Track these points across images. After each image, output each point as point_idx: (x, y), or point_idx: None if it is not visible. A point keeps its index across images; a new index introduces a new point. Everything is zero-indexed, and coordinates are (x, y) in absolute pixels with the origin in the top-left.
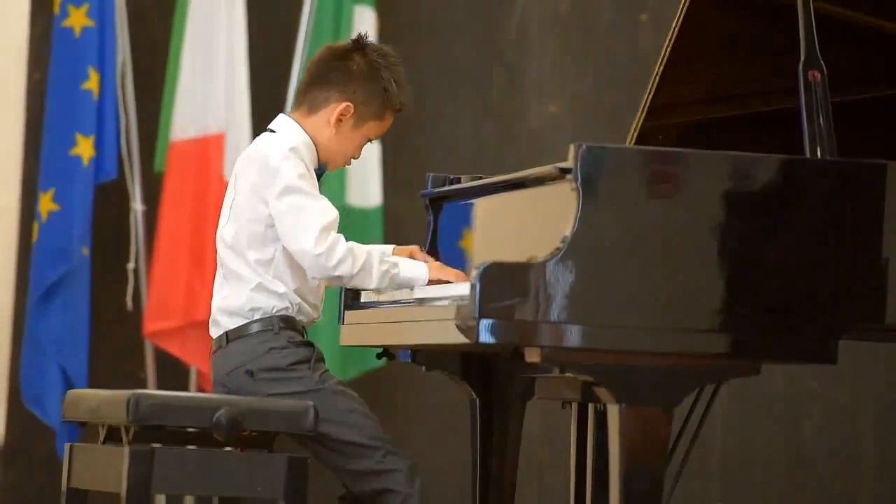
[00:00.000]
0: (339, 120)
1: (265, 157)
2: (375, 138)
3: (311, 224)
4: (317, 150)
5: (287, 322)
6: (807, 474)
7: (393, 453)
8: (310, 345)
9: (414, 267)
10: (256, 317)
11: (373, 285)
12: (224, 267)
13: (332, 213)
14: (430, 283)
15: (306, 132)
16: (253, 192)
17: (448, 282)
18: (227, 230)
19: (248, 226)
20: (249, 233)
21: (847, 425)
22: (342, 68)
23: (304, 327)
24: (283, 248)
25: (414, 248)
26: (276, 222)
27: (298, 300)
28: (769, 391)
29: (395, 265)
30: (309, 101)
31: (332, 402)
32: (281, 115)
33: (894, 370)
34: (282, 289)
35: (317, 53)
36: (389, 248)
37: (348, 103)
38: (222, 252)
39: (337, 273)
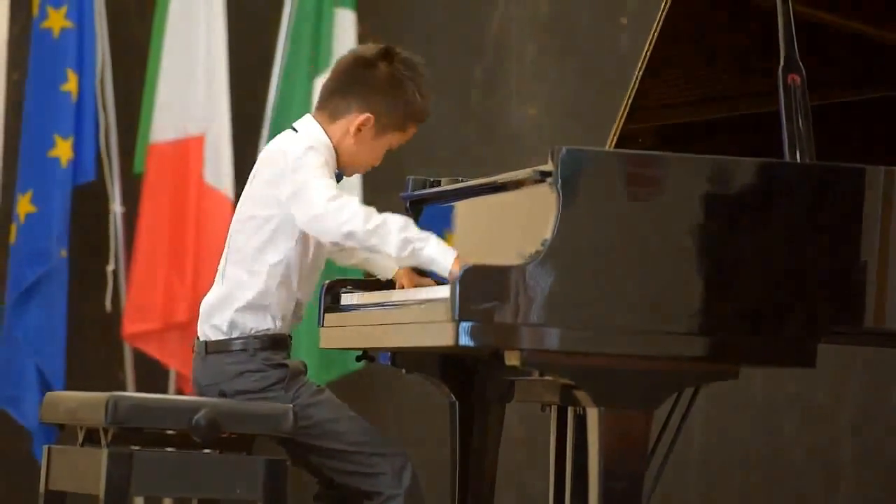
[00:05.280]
0: (359, 130)
1: (283, 154)
2: (397, 147)
3: (321, 187)
4: (337, 155)
5: (265, 342)
6: (785, 476)
7: (378, 454)
8: (283, 365)
9: (443, 250)
10: (235, 335)
11: (389, 251)
12: (224, 265)
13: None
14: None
15: (328, 136)
16: (268, 189)
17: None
18: (238, 227)
19: (263, 224)
20: (262, 230)
21: (825, 427)
22: (365, 78)
23: (287, 340)
24: (282, 258)
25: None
26: (290, 199)
27: (281, 314)
28: (748, 393)
29: (424, 239)
30: (331, 107)
31: (307, 416)
32: (307, 115)
33: (872, 373)
34: (269, 303)
35: (342, 59)
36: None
37: (369, 114)
38: (229, 250)
39: (347, 228)
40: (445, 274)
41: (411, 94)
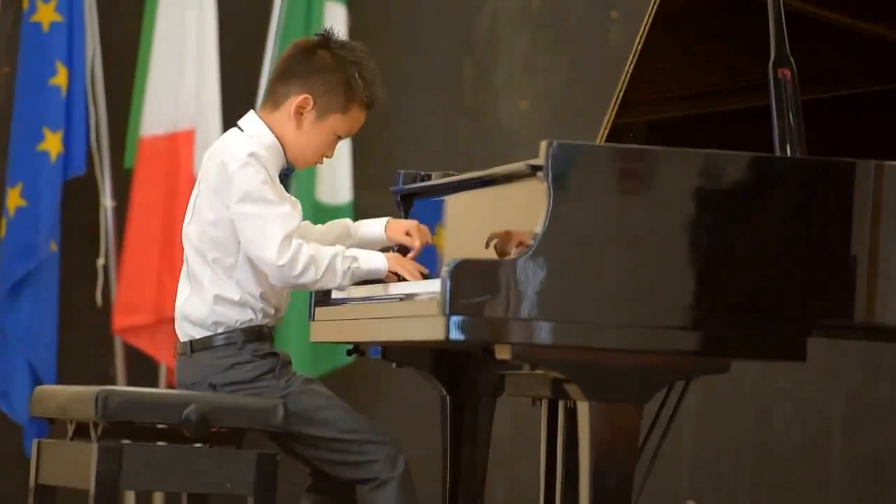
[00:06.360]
0: (298, 112)
1: (227, 160)
2: (346, 135)
3: (273, 234)
4: (283, 148)
5: (251, 334)
6: (776, 470)
7: (371, 442)
8: (273, 354)
9: (372, 259)
10: (220, 330)
11: (335, 285)
12: (188, 266)
13: (295, 220)
14: (389, 275)
15: (272, 130)
16: (214, 195)
17: (403, 277)
18: (192, 229)
19: (210, 228)
20: (212, 235)
21: (816, 421)
22: (305, 62)
23: (270, 331)
24: (234, 260)
25: (412, 223)
26: (238, 229)
27: (261, 305)
28: (739, 387)
29: (355, 259)
30: (273, 96)
31: (299, 404)
32: (250, 112)
33: (863, 367)
34: (242, 298)
35: (285, 50)
36: (384, 220)
37: (307, 95)
38: (188, 252)
39: (301, 281)
40: (383, 276)
41: (351, 76)
